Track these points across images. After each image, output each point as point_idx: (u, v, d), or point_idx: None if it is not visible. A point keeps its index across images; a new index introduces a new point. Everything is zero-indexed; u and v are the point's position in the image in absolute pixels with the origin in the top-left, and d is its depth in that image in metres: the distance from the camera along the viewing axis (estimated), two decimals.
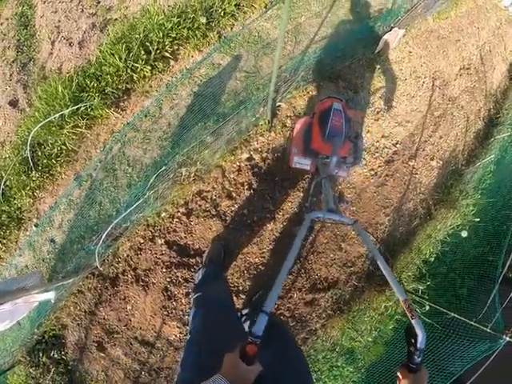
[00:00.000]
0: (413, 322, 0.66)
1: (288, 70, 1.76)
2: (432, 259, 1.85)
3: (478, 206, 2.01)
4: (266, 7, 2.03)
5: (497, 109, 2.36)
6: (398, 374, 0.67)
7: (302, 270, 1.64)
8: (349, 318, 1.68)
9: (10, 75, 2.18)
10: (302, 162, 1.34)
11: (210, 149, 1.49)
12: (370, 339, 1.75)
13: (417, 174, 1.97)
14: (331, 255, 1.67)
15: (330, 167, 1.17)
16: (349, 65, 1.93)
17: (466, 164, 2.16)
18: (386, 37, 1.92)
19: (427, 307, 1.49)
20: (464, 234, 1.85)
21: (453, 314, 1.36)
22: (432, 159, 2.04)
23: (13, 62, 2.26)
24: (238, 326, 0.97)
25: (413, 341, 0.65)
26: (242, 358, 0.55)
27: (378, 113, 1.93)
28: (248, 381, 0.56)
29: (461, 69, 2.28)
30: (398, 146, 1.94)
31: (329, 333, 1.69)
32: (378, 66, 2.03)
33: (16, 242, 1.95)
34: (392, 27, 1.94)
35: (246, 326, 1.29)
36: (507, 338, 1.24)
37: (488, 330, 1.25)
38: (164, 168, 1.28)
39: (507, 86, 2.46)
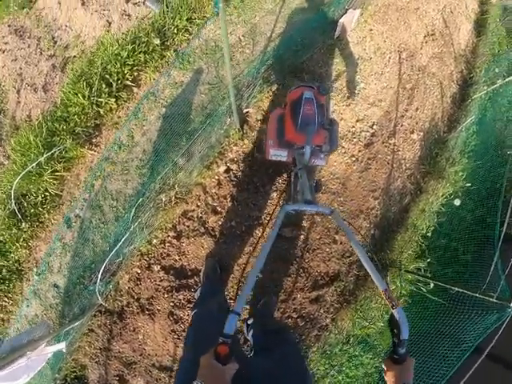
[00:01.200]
0: (394, 312, 0.65)
1: (250, 73, 1.75)
2: (430, 233, 1.84)
3: (467, 171, 1.98)
4: (216, 14, 2.02)
5: (469, 69, 2.32)
6: (383, 366, 0.67)
7: (301, 270, 1.64)
8: (357, 308, 1.68)
9: None
10: (278, 154, 1.32)
11: (185, 170, 1.49)
12: (382, 324, 1.75)
13: (399, 150, 1.95)
14: (327, 249, 1.67)
15: (304, 157, 1.16)
16: (310, 56, 1.91)
17: (448, 130, 2.13)
18: (342, 20, 1.89)
19: (431, 285, 1.48)
20: (457, 202, 1.83)
21: (456, 289, 1.35)
22: (412, 132, 2.02)
23: None
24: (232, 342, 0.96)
25: (396, 331, 0.64)
26: (216, 358, 0.57)
27: (348, 98, 1.91)
28: (224, 380, 0.57)
29: (425, 36, 2.25)
30: (374, 127, 1.91)
31: (340, 326, 1.69)
32: (341, 51, 2.01)
33: (21, 293, 1.97)
34: (347, 9, 1.91)
35: (250, 334, 1.29)
36: None
37: (494, 300, 1.23)
38: (141, 200, 1.29)
39: (475, 43, 2.42)
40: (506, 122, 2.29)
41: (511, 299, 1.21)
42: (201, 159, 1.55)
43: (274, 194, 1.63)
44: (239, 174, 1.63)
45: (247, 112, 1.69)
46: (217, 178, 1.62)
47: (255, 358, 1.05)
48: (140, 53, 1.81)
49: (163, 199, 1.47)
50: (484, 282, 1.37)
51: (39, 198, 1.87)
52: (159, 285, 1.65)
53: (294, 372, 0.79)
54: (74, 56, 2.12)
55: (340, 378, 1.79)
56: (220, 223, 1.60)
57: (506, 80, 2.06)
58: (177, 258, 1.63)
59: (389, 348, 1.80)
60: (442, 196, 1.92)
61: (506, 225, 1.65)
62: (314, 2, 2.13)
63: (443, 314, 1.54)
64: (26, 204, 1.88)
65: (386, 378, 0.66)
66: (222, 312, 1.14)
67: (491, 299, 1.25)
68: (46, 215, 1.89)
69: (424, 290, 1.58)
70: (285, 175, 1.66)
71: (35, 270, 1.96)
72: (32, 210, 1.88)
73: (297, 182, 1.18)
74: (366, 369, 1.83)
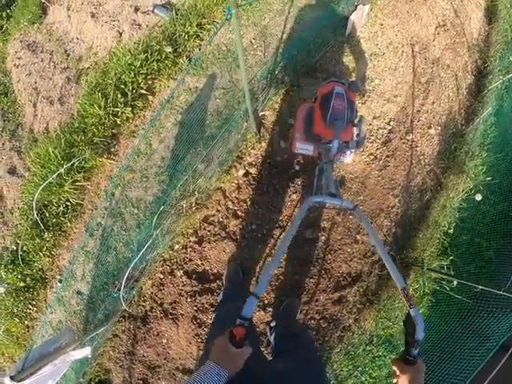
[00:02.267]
0: (411, 311, 0.64)
1: (264, 76, 1.75)
2: (451, 230, 1.80)
3: (487, 164, 1.93)
4: (227, 19, 2.02)
5: (483, 58, 2.26)
6: (394, 367, 0.65)
7: (323, 272, 1.63)
8: (380, 308, 1.66)
9: (3, 144, 2.26)
10: (304, 148, 1.31)
11: (204, 175, 1.50)
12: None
13: (417, 146, 1.91)
14: (348, 250, 1.65)
15: (331, 152, 1.15)
16: (323, 55, 1.89)
17: (466, 123, 2.08)
18: (352, 17, 1.87)
19: (455, 283, 1.45)
20: (478, 197, 1.79)
21: (480, 287, 1.32)
22: (429, 127, 1.98)
23: (1, 131, 2.35)
24: (252, 344, 0.95)
25: (411, 331, 0.62)
26: (231, 341, 0.56)
27: (363, 95, 1.89)
28: (238, 363, 0.57)
29: (437, 27, 2.20)
30: (391, 123, 1.89)
31: (363, 326, 1.68)
32: (353, 48, 1.98)
33: (45, 300, 2.03)
34: (356, 5, 1.89)
35: (272, 337, 1.29)
36: None
37: None
38: (163, 207, 1.30)
39: (487, 31, 2.35)
40: None
41: None
42: (219, 164, 1.55)
43: (294, 196, 1.62)
44: (258, 177, 1.64)
45: (263, 115, 1.69)
46: (236, 182, 1.63)
47: (274, 360, 1.05)
48: (153, 61, 1.82)
49: (184, 205, 1.48)
50: (508, 279, 1.33)
51: (61, 208, 1.92)
52: (182, 289, 1.67)
53: (311, 376, 0.79)
54: (88, 68, 2.16)
55: (363, 378, 1.77)
56: (241, 227, 1.61)
57: None
58: (199, 262, 1.65)
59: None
60: (463, 191, 1.88)
61: None
62: (321, 0, 2.11)
63: (467, 312, 1.50)
64: (48, 214, 1.93)
65: (395, 381, 0.63)
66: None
67: None
68: (68, 224, 1.94)
69: (447, 288, 1.55)
70: (304, 177, 1.66)
71: (58, 277, 2.01)
72: (54, 220, 1.92)
73: (321, 176, 1.18)
74: (389, 369, 1.81)
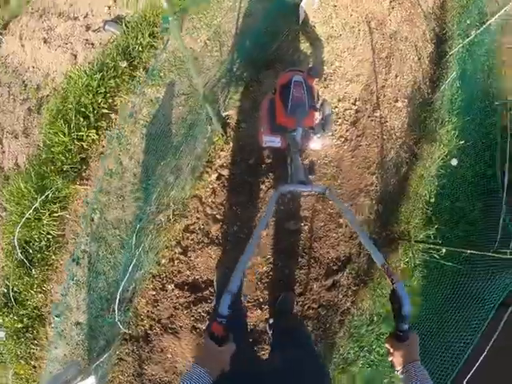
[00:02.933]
0: (394, 286, 0.63)
1: (223, 76, 1.73)
2: (433, 198, 1.82)
3: (459, 128, 1.95)
4: (166, 28, 2.00)
5: (440, 25, 2.27)
6: (387, 345, 0.64)
7: (312, 260, 1.63)
8: (374, 286, 1.67)
9: None
10: (271, 140, 1.31)
11: (176, 186, 1.48)
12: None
13: (386, 121, 1.92)
14: (334, 235, 1.66)
15: (296, 140, 1.15)
16: (279, 45, 1.88)
17: (432, 91, 2.09)
18: (302, 3, 1.86)
19: (444, 250, 1.46)
20: (454, 162, 1.81)
21: (469, 251, 1.33)
22: (396, 101, 1.99)
23: None
24: (244, 347, 0.95)
25: (397, 307, 0.61)
26: (212, 339, 0.57)
27: (325, 79, 1.88)
28: (222, 361, 0.57)
29: (391, 1, 2.20)
30: (357, 103, 1.89)
31: (361, 307, 1.69)
32: (308, 34, 1.97)
33: (46, 338, 2.00)
34: None
35: (271, 334, 1.29)
36: None
37: (509, 257, 1.21)
38: (139, 226, 1.28)
39: None
40: (487, 72, 2.24)
41: None
42: (191, 172, 1.54)
43: (271, 191, 1.62)
44: (231, 178, 1.62)
45: (227, 115, 1.67)
46: (210, 186, 1.61)
47: (271, 357, 1.05)
48: (110, 79, 1.79)
49: (162, 219, 1.47)
50: (495, 239, 1.34)
51: (43, 242, 1.89)
52: (176, 302, 1.66)
53: (308, 371, 0.78)
54: (47, 95, 2.11)
55: (372, 357, 1.79)
56: (223, 231, 1.60)
57: (480, 30, 2.01)
58: (188, 273, 1.64)
59: (414, 316, 1.80)
60: (439, 158, 1.90)
61: (506, 174, 1.63)
62: None
63: (461, 277, 1.52)
64: (31, 251, 1.90)
65: (390, 359, 0.63)
66: (237, 318, 1.14)
67: (506, 256, 1.23)
68: (53, 257, 1.90)
69: (437, 256, 1.57)
70: (278, 170, 1.65)
71: (54, 312, 1.98)
72: (39, 255, 1.89)
73: (292, 166, 1.18)
74: None
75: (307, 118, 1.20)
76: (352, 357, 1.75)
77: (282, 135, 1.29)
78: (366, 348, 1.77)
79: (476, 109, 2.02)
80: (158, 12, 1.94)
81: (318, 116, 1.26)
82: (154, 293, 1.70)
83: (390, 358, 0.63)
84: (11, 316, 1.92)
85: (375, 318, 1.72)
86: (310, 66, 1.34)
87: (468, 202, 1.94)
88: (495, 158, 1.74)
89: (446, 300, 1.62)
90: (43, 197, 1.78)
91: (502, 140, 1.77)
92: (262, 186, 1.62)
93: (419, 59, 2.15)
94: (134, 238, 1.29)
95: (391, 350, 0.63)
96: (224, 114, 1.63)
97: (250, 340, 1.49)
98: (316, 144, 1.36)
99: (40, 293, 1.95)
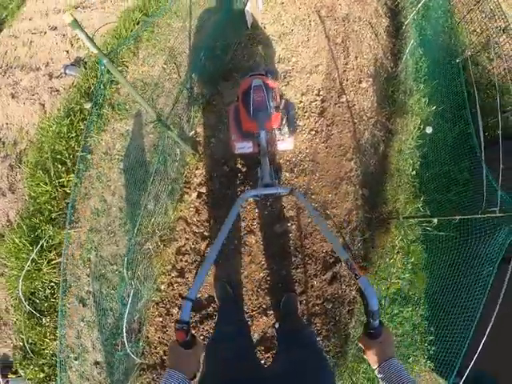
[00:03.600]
0: (358, 282, 0.61)
1: (184, 95, 1.76)
2: (415, 171, 1.80)
3: (428, 95, 1.94)
4: (134, 54, 2.04)
5: None
6: (360, 344, 0.62)
7: (307, 258, 1.63)
8: (375, 271, 1.66)
9: None
10: (243, 146, 1.33)
11: (158, 212, 1.50)
12: (408, 274, 1.73)
13: (354, 105, 1.92)
14: None
15: (261, 142, 1.17)
16: (233, 54, 1.90)
17: (395, 65, 2.08)
18: (248, 8, 1.88)
19: (435, 221, 1.44)
20: (428, 129, 1.79)
21: (458, 217, 1.31)
22: (360, 82, 1.98)
23: None
24: (247, 356, 0.94)
25: (366, 303, 0.59)
26: (180, 344, 0.59)
27: (285, 77, 1.89)
28: (192, 363, 0.59)
29: None
30: (321, 93, 1.89)
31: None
32: (260, 37, 1.99)
33: (70, 382, 2.03)
34: None
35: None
36: None
37: (499, 215, 1.18)
38: (126, 259, 1.31)
39: None
40: (448, 32, 2.22)
41: None
42: (170, 195, 1.56)
43: (251, 198, 1.63)
44: (211, 193, 1.64)
45: (195, 133, 1.69)
46: (193, 206, 1.63)
47: (273, 361, 1.05)
48: (78, 122, 1.84)
49: (150, 247, 1.49)
50: (483, 200, 1.32)
51: (48, 291, 1.93)
52: None
53: (309, 376, 0.76)
54: (25, 149, 2.17)
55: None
56: None
57: None
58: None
59: (424, 289, 1.77)
60: (414, 129, 1.88)
61: (481, 131, 1.60)
62: (215, 3, 2.12)
63: (458, 244, 1.50)
64: (38, 301, 1.94)
65: (366, 357, 0.61)
66: (240, 328, 1.15)
67: (495, 215, 1.20)
68: (60, 302, 1.94)
69: (430, 228, 1.55)
70: (254, 176, 1.66)
71: (72, 355, 2.01)
72: (46, 304, 1.93)
73: (260, 169, 1.20)
74: (411, 321, 1.81)
75: (271, 121, 1.21)
76: None
77: (252, 140, 1.31)
78: None
79: (441, 72, 2.00)
80: (112, 46, 1.99)
81: (282, 116, 1.27)
82: (161, 319, 1.71)
83: (365, 357, 0.62)
84: (31, 367, 1.96)
85: (383, 302, 1.70)
86: (265, 68, 1.35)
87: (454, 165, 1.90)
88: (467, 117, 1.71)
89: (448, 269, 1.60)
90: (38, 247, 1.82)
91: (471, 96, 1.75)
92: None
93: (376, 36, 2.15)
94: (125, 270, 1.31)
95: (363, 348, 0.61)
96: (191, 134, 1.65)
97: (255, 347, 1.49)
98: (287, 144, 1.37)
99: (54, 340, 1.98)
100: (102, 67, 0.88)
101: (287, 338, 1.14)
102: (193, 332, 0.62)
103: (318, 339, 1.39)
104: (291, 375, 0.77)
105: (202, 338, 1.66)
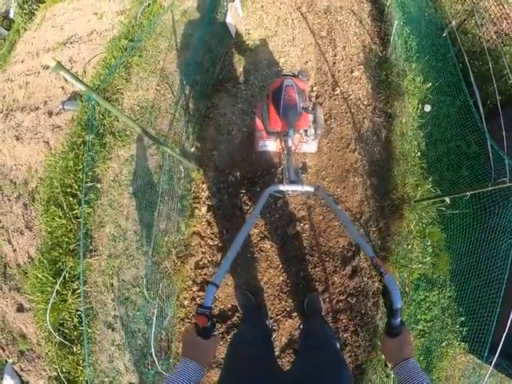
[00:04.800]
0: (384, 279, 0.61)
1: (181, 113, 1.79)
2: (421, 151, 1.77)
3: (422, 72, 1.90)
4: (127, 81, 2.09)
5: None
6: (379, 342, 0.62)
7: (324, 255, 1.62)
8: (395, 259, 1.63)
9: (1, 289, 2.35)
10: (266, 144, 1.34)
11: (171, 231, 1.53)
12: (429, 258, 1.69)
13: (350, 95, 1.90)
14: (336, 223, 1.64)
15: (288, 141, 1.17)
16: (222, 66, 1.92)
17: (384, 48, 2.06)
18: (228, 19, 1.90)
19: (447, 200, 1.41)
20: (427, 108, 1.76)
21: (468, 193, 1.28)
22: (352, 71, 1.97)
23: None
24: (265, 361, 0.92)
25: (388, 301, 0.59)
26: (198, 333, 0.58)
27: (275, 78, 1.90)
28: (209, 354, 0.58)
29: None
30: (314, 88, 1.89)
31: None
32: (246, 44, 2.01)
33: None
34: (226, 5, 1.92)
35: None
36: None
37: (509, 184, 1.15)
38: (145, 280, 1.33)
39: None
40: (432, 5, 2.18)
41: None
42: (180, 213, 1.58)
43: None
44: (220, 205, 1.66)
45: (196, 148, 1.72)
46: (204, 220, 1.65)
47: (292, 364, 1.04)
48: (83, 154, 1.89)
49: (168, 266, 1.51)
50: (491, 172, 1.28)
51: (75, 319, 1.98)
52: None
53: (327, 380, 0.75)
54: (36, 186, 2.24)
55: (419, 327, 1.73)
56: None
57: None
58: (212, 306, 1.66)
59: (448, 271, 1.73)
60: (413, 109, 1.85)
61: (479, 101, 1.56)
62: (196, 18, 2.15)
63: (475, 220, 1.46)
64: (67, 331, 2.00)
65: (383, 356, 0.61)
66: (260, 332, 1.15)
67: (505, 185, 1.16)
68: (90, 330, 1.99)
69: (444, 208, 1.51)
70: (261, 181, 1.66)
71: (107, 380, 2.06)
72: (75, 333, 1.98)
73: (285, 167, 1.20)
74: (439, 305, 1.77)
75: (299, 121, 1.21)
76: None
77: (276, 139, 1.32)
78: (411, 320, 1.72)
79: (432, 46, 1.96)
80: (101, 80, 2.04)
81: (311, 118, 1.28)
82: None
83: (383, 356, 0.62)
84: None
85: (407, 289, 1.67)
86: (298, 70, 1.38)
87: (462, 139, 1.85)
88: (464, 90, 1.66)
89: (470, 244, 1.55)
90: (61, 279, 1.87)
91: (463, 66, 1.70)
92: (250, 203, 1.64)
93: (361, 22, 2.13)
94: (145, 291, 1.33)
95: (382, 346, 0.61)
96: (192, 150, 1.68)
97: (276, 352, 1.47)
98: (310, 147, 1.38)
99: (89, 366, 2.03)
100: (92, 102, 0.90)
101: (306, 340, 1.13)
102: (214, 320, 0.61)
103: (340, 337, 1.33)
104: (308, 379, 0.76)
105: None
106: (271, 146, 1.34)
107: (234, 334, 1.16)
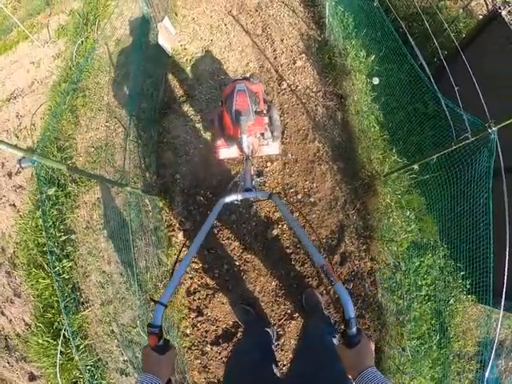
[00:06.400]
0: (334, 288, 0.59)
1: (133, 148, 1.75)
2: (380, 124, 1.77)
3: (362, 46, 1.90)
4: (76, 124, 2.04)
5: None
6: (338, 352, 0.60)
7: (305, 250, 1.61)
8: (380, 235, 1.64)
9: (8, 363, 2.30)
10: (227, 152, 1.33)
11: (151, 266, 1.50)
12: (413, 225, 1.70)
13: (297, 86, 1.89)
14: (314, 215, 1.64)
15: (243, 146, 1.16)
16: (164, 87, 1.89)
17: (321, 31, 2.05)
18: (160, 40, 1.87)
19: (416, 166, 1.41)
20: (375, 80, 1.76)
21: (435, 157, 1.28)
22: (295, 62, 1.96)
23: None
24: (260, 370, 0.90)
25: (342, 310, 0.57)
26: (153, 349, 0.59)
27: (220, 86, 1.88)
28: (164, 368, 0.59)
29: None
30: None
31: (381, 259, 1.65)
32: (184, 58, 1.98)
33: None
34: (156, 26, 1.89)
35: None
36: (494, 128, 1.09)
37: (472, 139, 1.14)
38: (139, 321, 1.30)
39: None
40: None
41: (487, 125, 1.07)
42: (158, 245, 1.56)
43: (233, 216, 1.61)
44: (195, 226, 1.63)
45: (157, 175, 1.68)
46: (183, 245, 1.63)
47: (293, 362, 1.04)
48: (50, 209, 1.85)
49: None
50: (451, 130, 1.28)
51: (87, 375, 1.94)
52: (221, 358, 1.67)
53: (329, 380, 0.75)
54: (14, 251, 2.19)
55: (423, 292, 1.74)
56: (218, 275, 1.61)
57: None
58: (214, 328, 1.65)
59: (437, 232, 1.74)
60: (363, 85, 1.85)
61: (423, 61, 1.56)
62: (130, 45, 2.11)
63: (448, 179, 1.46)
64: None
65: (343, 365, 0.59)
66: (258, 341, 1.15)
67: (469, 140, 1.16)
68: (103, 382, 1.96)
69: (415, 175, 1.52)
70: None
71: None
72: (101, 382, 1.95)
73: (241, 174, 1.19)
74: (436, 266, 1.79)
75: (254, 125, 1.19)
76: (404, 304, 1.71)
77: (236, 145, 1.29)
78: (413, 288, 1.73)
79: (367, 17, 1.95)
80: (58, 127, 2.00)
81: (266, 121, 1.26)
82: (199, 361, 1.71)
83: (343, 365, 0.59)
84: None
85: (400, 262, 1.68)
86: (249, 74, 1.36)
87: (418, 101, 1.86)
88: (412, 49, 1.66)
89: (451, 200, 1.55)
90: (61, 338, 1.84)
91: (402, 30, 1.70)
92: (224, 217, 1.63)
93: (293, 11, 2.12)
94: (141, 332, 1.31)
95: (341, 356, 0.59)
96: (153, 179, 1.65)
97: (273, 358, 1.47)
98: (273, 149, 1.36)
99: None
100: (35, 164, 0.87)
101: (303, 341, 1.12)
102: (167, 337, 0.62)
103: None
104: (310, 379, 0.76)
105: None
106: (232, 152, 1.32)
107: (234, 347, 1.15)
